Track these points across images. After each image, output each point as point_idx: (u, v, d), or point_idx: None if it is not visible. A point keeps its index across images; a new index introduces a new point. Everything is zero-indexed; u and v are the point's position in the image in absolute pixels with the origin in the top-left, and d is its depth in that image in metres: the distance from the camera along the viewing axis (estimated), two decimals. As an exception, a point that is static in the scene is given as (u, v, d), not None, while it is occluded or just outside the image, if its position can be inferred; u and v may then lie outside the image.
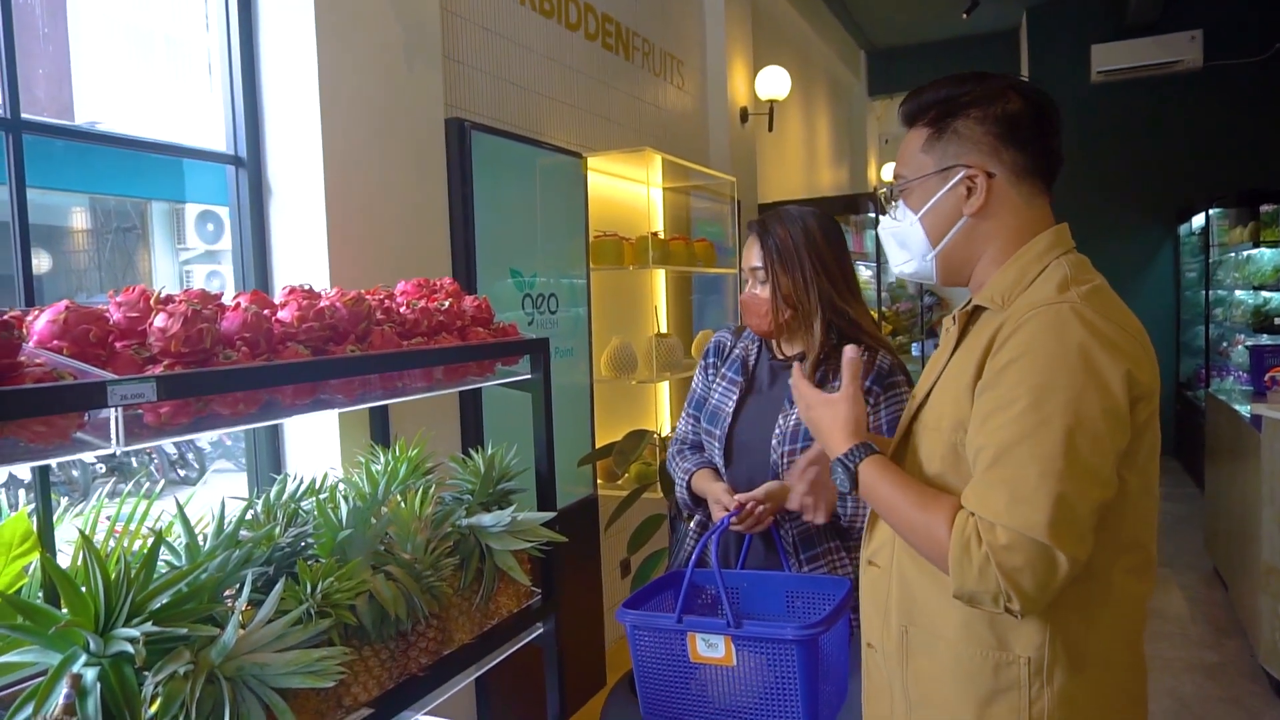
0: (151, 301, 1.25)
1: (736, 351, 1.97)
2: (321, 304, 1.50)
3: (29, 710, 1.13)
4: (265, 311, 1.39)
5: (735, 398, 1.89)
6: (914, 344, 7.93)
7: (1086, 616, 1.07)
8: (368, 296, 1.64)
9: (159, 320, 1.22)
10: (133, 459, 6.16)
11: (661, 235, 4.06)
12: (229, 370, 1.22)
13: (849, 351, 1.27)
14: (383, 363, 1.51)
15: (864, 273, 7.03)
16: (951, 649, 1.11)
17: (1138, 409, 1.03)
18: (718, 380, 1.96)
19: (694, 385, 2.03)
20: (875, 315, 6.14)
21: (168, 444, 6.30)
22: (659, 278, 4.24)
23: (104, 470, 5.80)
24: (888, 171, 10.10)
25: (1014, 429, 0.99)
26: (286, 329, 1.42)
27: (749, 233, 1.90)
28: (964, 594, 1.02)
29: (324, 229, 2.11)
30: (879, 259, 6.16)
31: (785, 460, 1.77)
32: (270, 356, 1.35)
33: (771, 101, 5.43)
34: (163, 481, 6.08)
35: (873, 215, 5.90)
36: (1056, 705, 1.06)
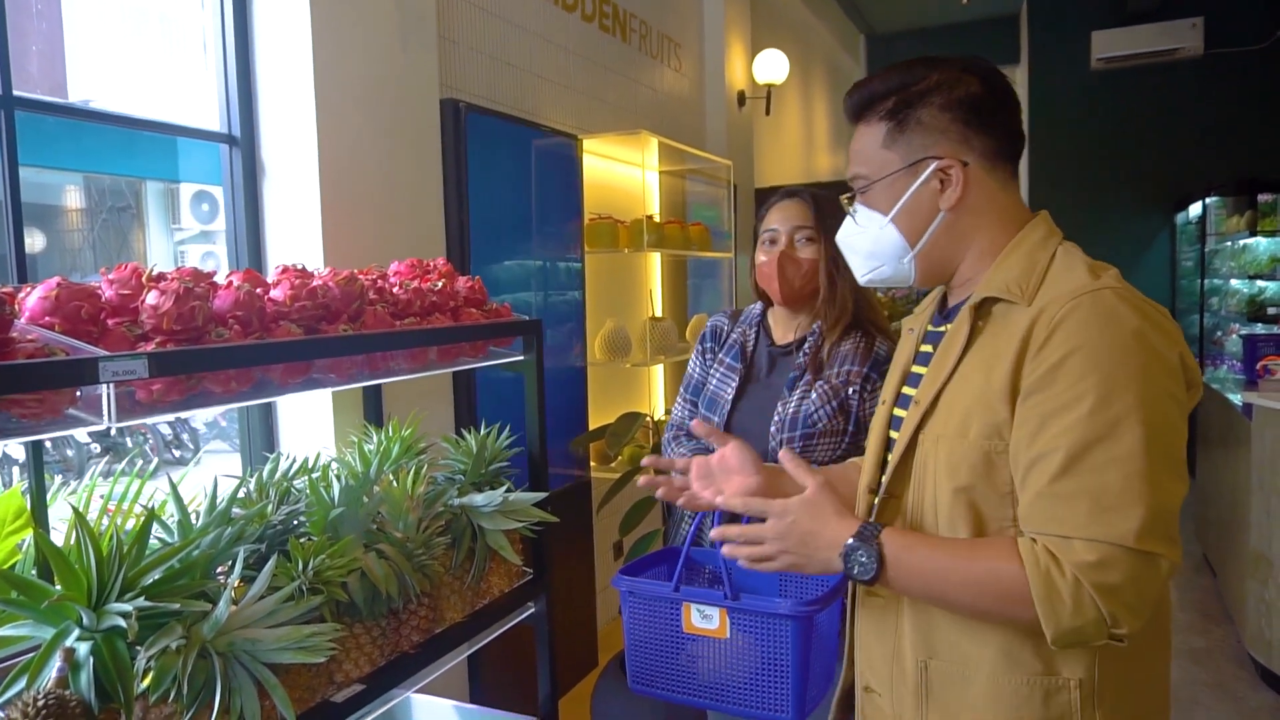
0: (144, 279, 1.26)
1: (734, 337, 1.96)
2: (314, 283, 1.50)
3: (22, 684, 1.14)
4: (258, 290, 1.40)
5: (734, 385, 1.89)
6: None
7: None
8: (361, 276, 1.64)
9: (151, 298, 1.23)
10: (127, 439, 6.16)
11: (657, 219, 4.06)
12: (221, 348, 1.23)
13: (786, 457, 1.17)
14: (375, 342, 1.51)
15: (860, 258, 7.03)
16: (991, 680, 0.99)
17: (1191, 395, 0.98)
18: (715, 366, 1.95)
19: (690, 370, 2.03)
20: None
21: (162, 424, 6.30)
22: (654, 261, 4.24)
23: (99, 450, 5.81)
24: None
25: (1084, 430, 0.90)
26: (279, 308, 1.42)
27: (784, 198, 1.87)
28: (1063, 635, 0.91)
29: (318, 209, 2.11)
30: (875, 245, 6.16)
31: (782, 448, 1.77)
32: (262, 335, 1.35)
33: (769, 85, 5.41)
34: (156, 461, 6.09)
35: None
36: None
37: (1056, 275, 1.01)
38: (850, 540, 1.01)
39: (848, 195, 1.14)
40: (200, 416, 6.32)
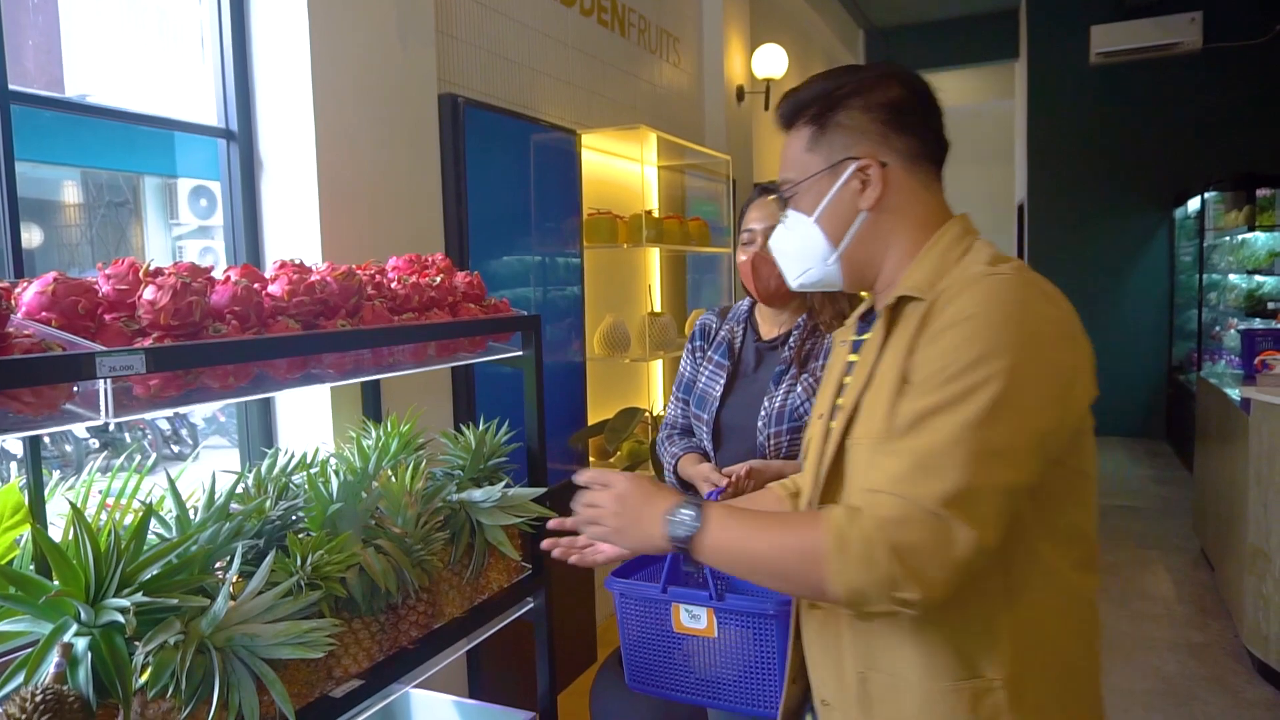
0: (140, 274, 1.25)
1: (722, 334, 1.98)
2: (312, 278, 1.50)
3: (20, 679, 1.14)
4: (256, 285, 1.39)
5: (722, 381, 1.90)
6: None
7: (1053, 617, 0.98)
8: (359, 271, 1.63)
9: (148, 293, 1.22)
10: (126, 434, 6.16)
11: (656, 214, 4.05)
12: (218, 343, 1.22)
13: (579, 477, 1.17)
14: (373, 338, 1.51)
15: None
16: (921, 688, 0.97)
17: (1088, 390, 0.96)
18: (705, 364, 1.97)
19: (681, 368, 2.04)
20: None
21: (161, 420, 6.30)
22: (653, 256, 4.23)
23: (97, 445, 5.80)
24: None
25: (938, 396, 0.89)
26: (277, 303, 1.42)
27: (761, 194, 1.87)
28: (849, 591, 0.89)
29: (316, 204, 2.11)
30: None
31: (772, 441, 1.79)
32: (260, 330, 1.35)
33: (768, 80, 5.40)
34: (154, 456, 6.08)
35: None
36: None
37: (964, 264, 1.02)
38: (678, 501, 1.03)
39: (774, 198, 1.15)
40: (199, 412, 6.32)
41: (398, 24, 2.34)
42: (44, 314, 1.16)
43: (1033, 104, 8.10)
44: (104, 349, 1.07)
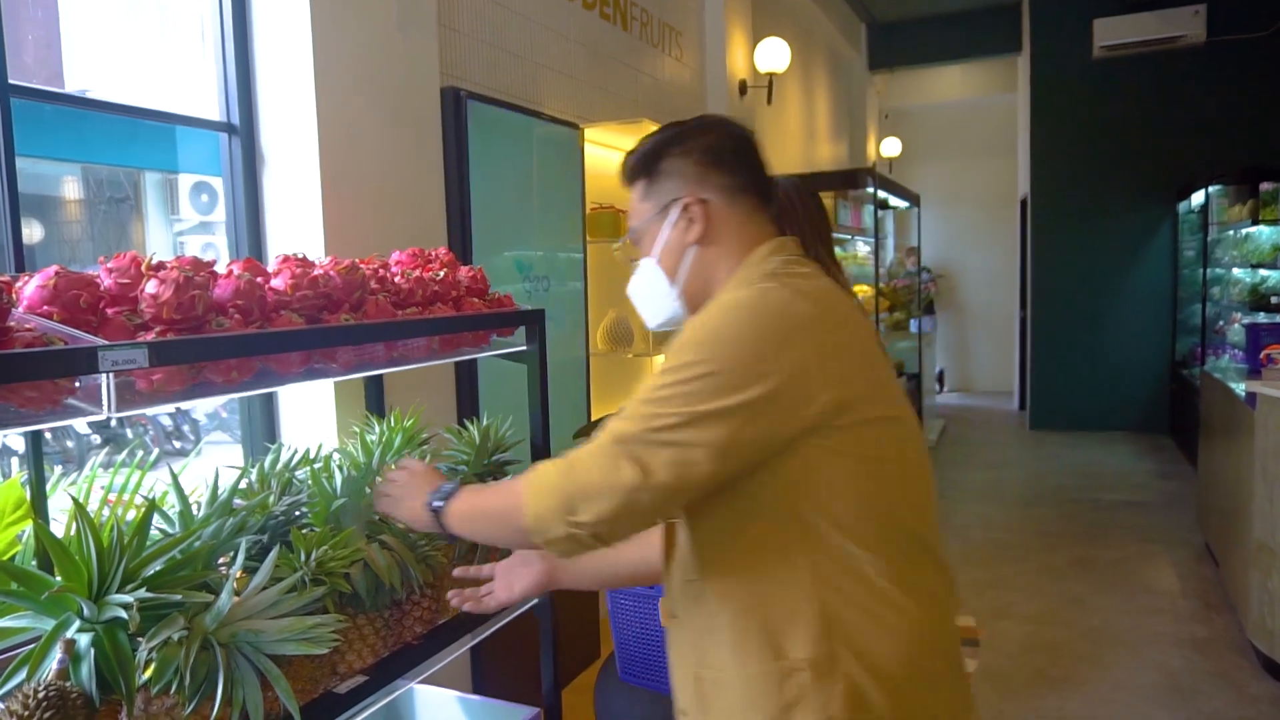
0: (143, 268, 1.24)
1: None
2: (315, 272, 1.49)
3: (23, 675, 1.13)
4: (259, 279, 1.38)
5: None
6: (911, 320, 7.92)
7: (856, 606, 0.99)
8: (362, 265, 1.62)
9: (151, 287, 1.21)
10: (128, 430, 6.15)
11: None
12: (221, 337, 1.21)
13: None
14: (377, 332, 1.50)
15: (862, 248, 7.01)
16: (737, 680, 1.02)
17: (846, 386, 0.98)
18: None
19: None
20: (873, 291, 6.14)
21: (163, 415, 6.29)
22: (656, 251, 4.22)
23: (99, 441, 5.80)
24: (887, 146, 10.04)
25: (649, 381, 0.99)
26: (280, 297, 1.41)
27: None
28: (534, 515, 1.01)
29: (318, 198, 2.09)
30: (877, 234, 6.14)
31: None
32: (263, 324, 1.34)
33: (770, 74, 5.38)
34: (157, 452, 6.07)
35: (872, 190, 5.86)
36: (850, 707, 0.97)
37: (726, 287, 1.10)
38: (447, 481, 1.22)
39: (618, 247, 1.28)
40: (201, 407, 6.31)
41: (399, 16, 2.33)
42: (45, 308, 1.15)
43: (1035, 98, 8.07)
44: (106, 343, 1.06)
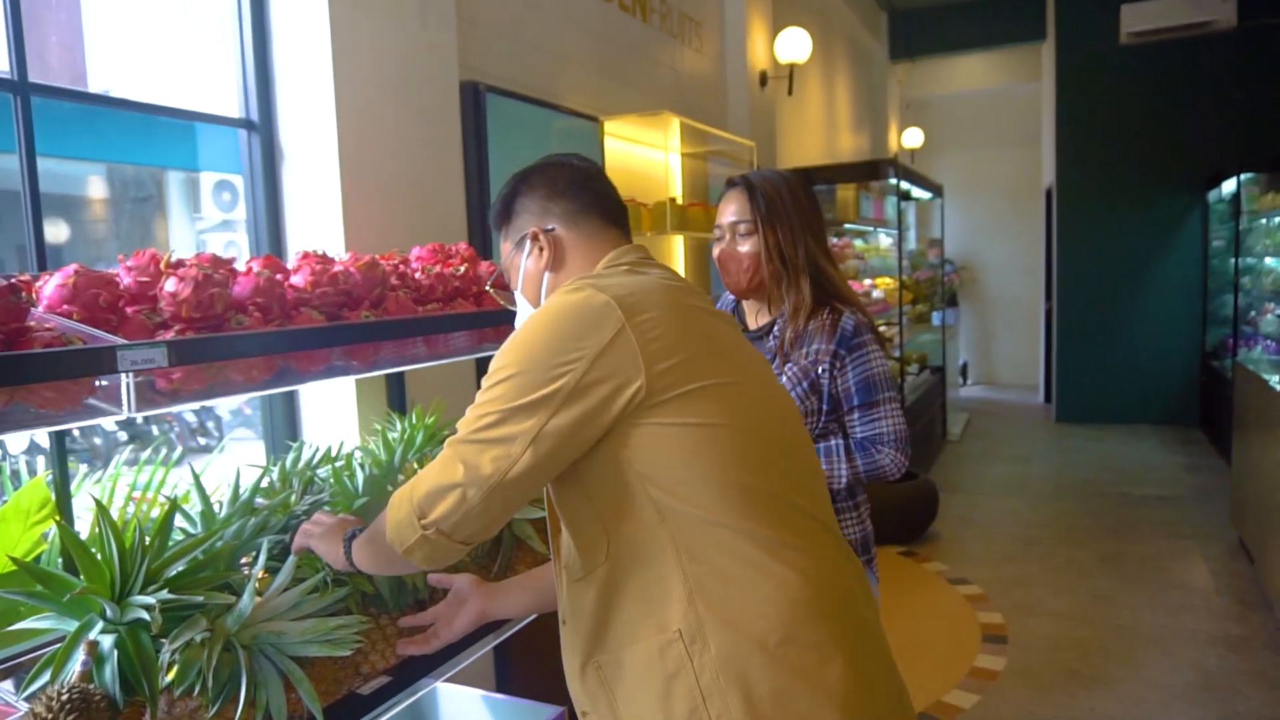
0: (162, 265, 1.23)
1: None
2: (335, 269, 1.47)
3: (47, 677, 1.12)
4: (278, 276, 1.37)
5: None
6: (934, 312, 7.84)
7: (719, 574, 1.01)
8: (382, 261, 1.61)
9: (170, 285, 1.20)
10: (153, 427, 6.21)
11: (680, 201, 4.00)
12: (241, 335, 1.20)
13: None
14: (397, 329, 1.48)
15: (884, 240, 6.94)
16: (630, 655, 1.06)
17: (638, 362, 1.01)
18: None
19: None
20: (896, 283, 6.07)
21: (188, 412, 6.34)
22: (677, 244, 4.18)
23: (126, 439, 5.85)
24: (909, 137, 9.93)
25: (491, 382, 1.07)
26: (300, 294, 1.39)
27: (727, 188, 1.86)
28: (393, 524, 1.07)
29: (338, 194, 2.08)
30: (900, 226, 6.06)
31: None
32: (283, 322, 1.32)
33: (791, 65, 5.32)
34: (180, 449, 6.12)
35: (894, 181, 5.79)
36: (722, 674, 0.98)
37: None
38: (353, 528, 1.26)
39: (489, 288, 1.40)
40: (224, 405, 6.35)
41: (419, 9, 2.31)
42: (65, 307, 1.14)
43: (1061, 86, 7.94)
44: (125, 342, 1.05)
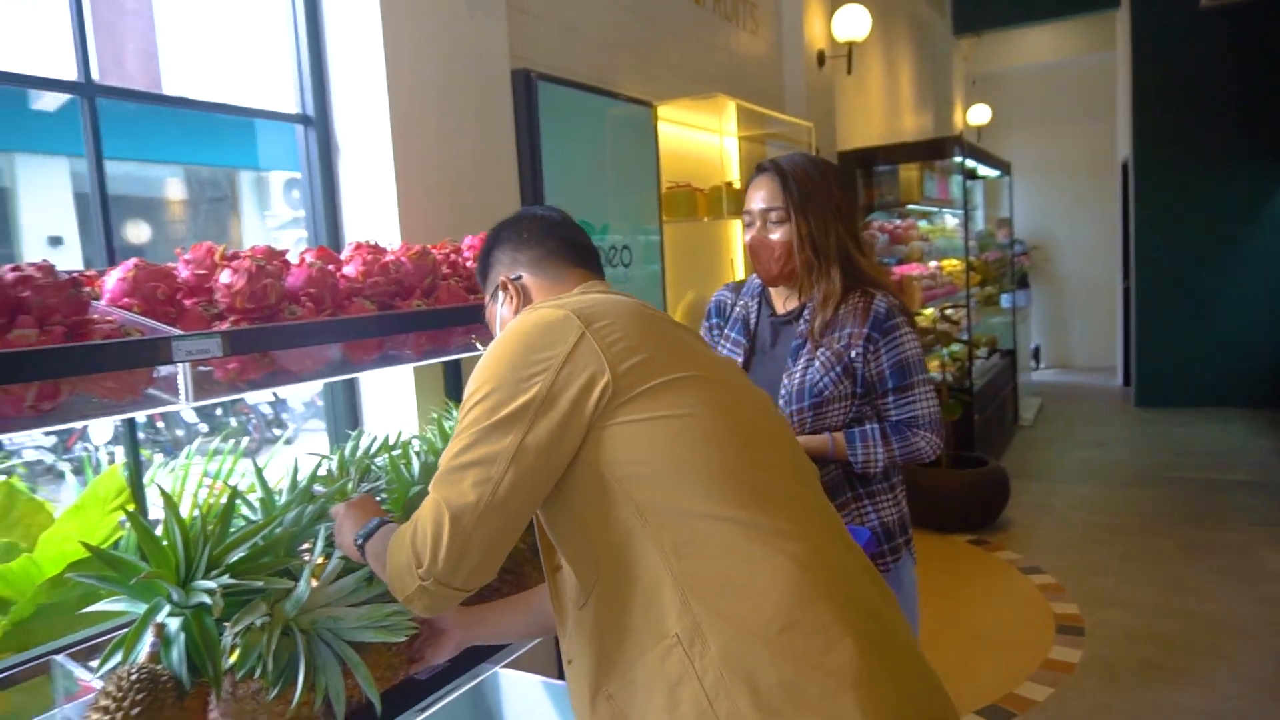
0: (217, 258, 1.25)
1: (738, 310, 1.92)
2: (387, 258, 1.48)
3: (119, 657, 1.16)
4: (330, 267, 1.38)
5: (740, 360, 1.85)
6: (1003, 295, 7.61)
7: (711, 568, 0.99)
8: (434, 251, 1.61)
9: (225, 277, 1.22)
10: (231, 419, 6.42)
11: (736, 185, 3.95)
12: (293, 325, 1.21)
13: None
14: (449, 317, 1.49)
15: (950, 221, 6.75)
16: (637, 672, 1.02)
17: (603, 362, 1.02)
18: (722, 341, 1.92)
19: None
20: (963, 265, 5.90)
21: (263, 404, 6.54)
22: (735, 229, 4.13)
23: (206, 430, 6.07)
24: (975, 114, 9.64)
25: (464, 411, 1.06)
26: (352, 284, 1.41)
27: (757, 173, 1.83)
28: (393, 574, 1.04)
29: (393, 186, 2.10)
30: (966, 206, 5.89)
31: (795, 418, 1.73)
32: (335, 312, 1.34)
33: (850, 43, 5.20)
34: (249, 440, 6.31)
35: (959, 160, 5.62)
36: (726, 671, 0.94)
37: None
38: (376, 517, 1.22)
39: (475, 339, 1.45)
40: (297, 396, 6.54)
41: (468, 0, 2.31)
42: (126, 300, 1.17)
43: (1137, 55, 7.60)
44: (181, 333, 1.07)
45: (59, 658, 1.39)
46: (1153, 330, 7.74)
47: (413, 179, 2.14)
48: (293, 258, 1.43)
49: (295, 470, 1.39)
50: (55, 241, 6.03)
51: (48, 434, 5.13)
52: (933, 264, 5.97)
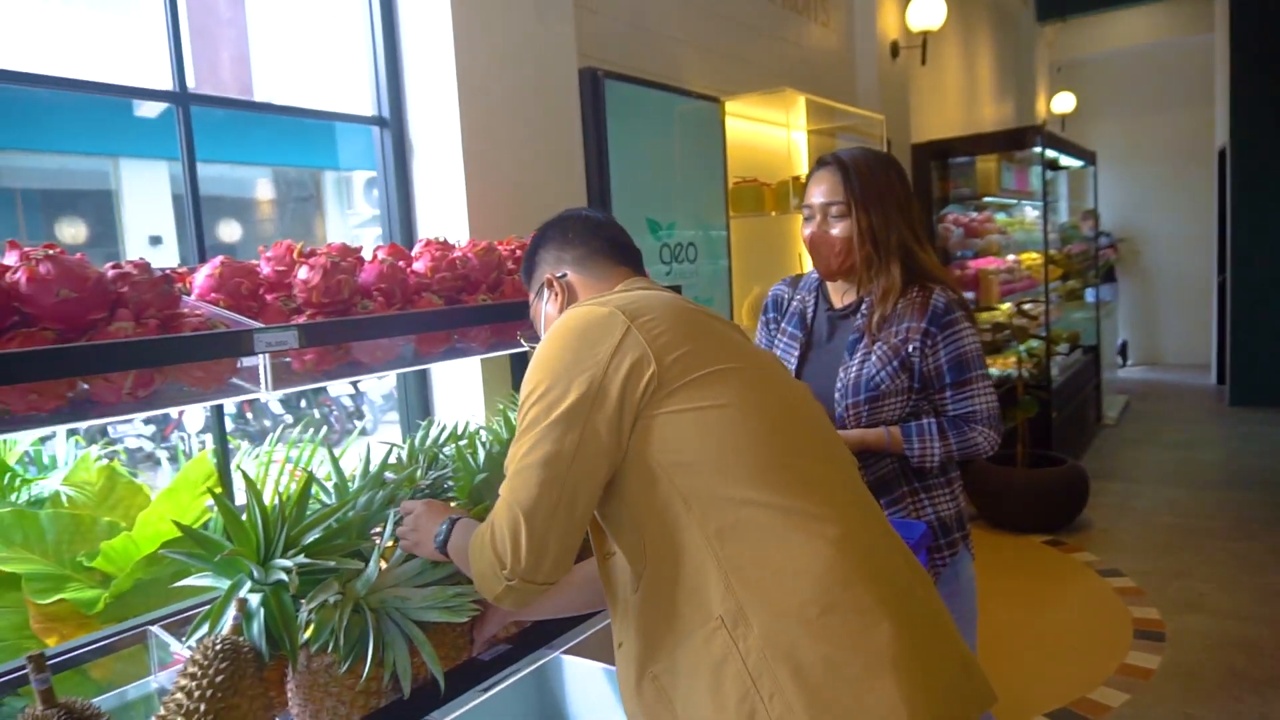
0: (295, 255, 1.33)
1: (794, 304, 1.91)
2: (454, 255, 1.54)
3: (205, 629, 1.25)
4: (400, 263, 1.45)
5: (796, 353, 1.85)
6: (1087, 289, 7.35)
7: (755, 551, 1.02)
8: (499, 247, 1.67)
9: (302, 273, 1.30)
10: (315, 410, 6.69)
11: (804, 179, 3.93)
12: (365, 319, 1.28)
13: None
14: (512, 311, 1.54)
15: (1030, 213, 6.55)
16: (681, 653, 1.06)
17: (647, 359, 1.06)
18: (779, 336, 1.91)
19: (756, 340, 1.99)
20: (1042, 258, 5.72)
21: (345, 395, 6.79)
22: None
23: (291, 420, 6.34)
24: (1059, 102, 9.32)
25: (523, 412, 1.10)
26: (421, 279, 1.47)
27: (818, 166, 1.82)
28: (479, 577, 1.09)
29: (462, 184, 2.17)
30: (1045, 197, 5.71)
31: (850, 412, 1.73)
32: (405, 306, 1.40)
33: (925, 33, 5.10)
34: (327, 430, 6.54)
35: (1039, 150, 5.46)
36: (769, 652, 0.98)
37: None
38: (446, 517, 1.27)
39: (521, 335, 1.44)
40: (377, 389, 6.76)
41: (536, 1, 2.37)
42: (213, 295, 1.25)
43: (1237, 36, 7.22)
44: (261, 326, 1.14)
45: (154, 629, 1.49)
46: (1250, 326, 7.36)
47: (482, 178, 2.21)
48: (367, 254, 1.50)
49: (368, 458, 1.46)
50: (155, 240, 6.37)
51: (147, 422, 5.45)
52: (1010, 257, 5.80)
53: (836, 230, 1.76)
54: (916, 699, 0.95)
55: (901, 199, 1.76)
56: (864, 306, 1.78)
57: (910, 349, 1.70)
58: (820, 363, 1.83)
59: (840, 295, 1.86)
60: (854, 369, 1.74)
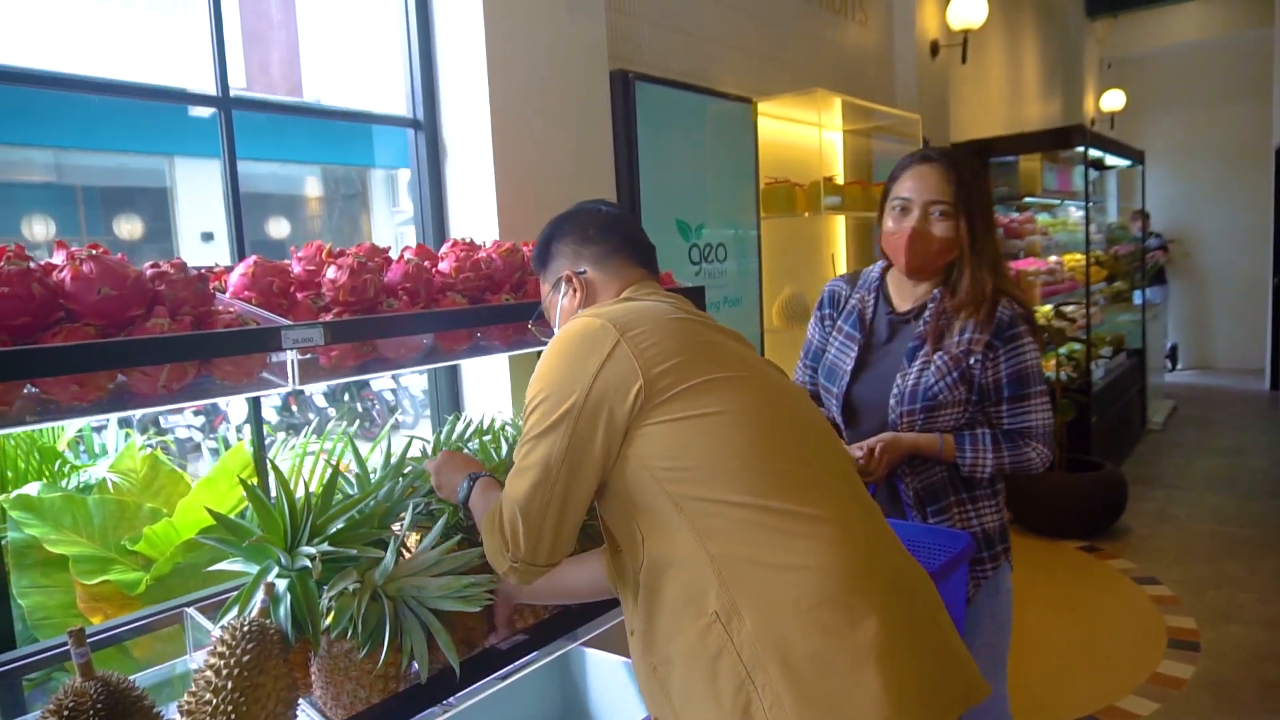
0: (324, 255, 1.38)
1: (853, 303, 1.87)
2: (479, 255, 1.59)
3: (235, 611, 1.31)
4: (426, 264, 1.50)
5: (853, 355, 1.80)
6: (1135, 291, 7.19)
7: (742, 549, 1.06)
8: (524, 248, 1.71)
9: (330, 272, 1.35)
10: (357, 404, 6.84)
11: (839, 180, 3.92)
12: (388, 317, 1.33)
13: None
14: (529, 311, 1.57)
15: (1074, 213, 6.44)
16: (678, 646, 1.11)
17: (640, 370, 1.10)
18: (834, 333, 1.87)
19: (809, 335, 1.95)
20: (1084, 260, 5.62)
21: (386, 391, 6.93)
22: (837, 224, 4.10)
23: (334, 414, 6.49)
24: (1108, 100, 9.12)
25: (525, 418, 1.16)
26: (445, 279, 1.52)
27: (921, 161, 1.75)
28: (490, 553, 1.18)
29: (493, 186, 2.22)
30: (1088, 198, 5.61)
31: (904, 420, 1.70)
32: (430, 305, 1.45)
33: (965, 30, 5.04)
34: (368, 423, 6.67)
35: (1082, 150, 5.36)
36: (760, 645, 1.02)
37: None
38: (470, 472, 1.37)
39: (533, 324, 1.47)
40: (418, 384, 6.89)
41: (568, 4, 2.41)
42: (245, 293, 1.31)
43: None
44: (289, 323, 1.20)
45: (190, 610, 1.56)
46: (1305, 331, 7.15)
47: (512, 179, 2.26)
48: (396, 254, 1.56)
49: (388, 451, 1.52)
50: (207, 237, 6.57)
51: (197, 414, 5.62)
52: (1053, 259, 5.71)
53: (939, 230, 1.71)
54: (901, 694, 0.98)
55: (988, 201, 1.74)
56: (927, 313, 1.74)
57: (972, 360, 1.68)
58: (877, 366, 1.79)
59: (903, 298, 1.81)
60: (912, 377, 1.71)
